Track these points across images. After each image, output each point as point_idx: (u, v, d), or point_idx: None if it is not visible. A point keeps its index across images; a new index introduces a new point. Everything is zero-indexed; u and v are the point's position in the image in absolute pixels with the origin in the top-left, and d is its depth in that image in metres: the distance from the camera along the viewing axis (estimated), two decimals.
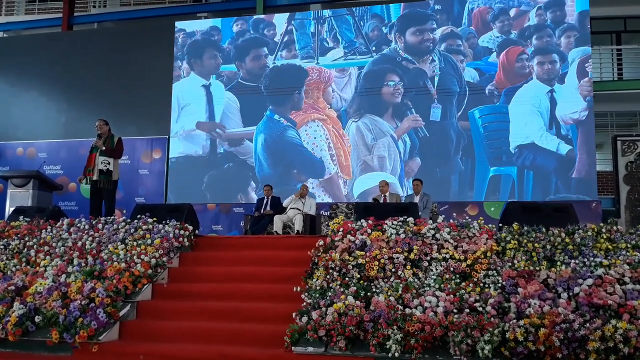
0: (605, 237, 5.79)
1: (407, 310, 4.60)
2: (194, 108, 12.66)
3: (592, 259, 5.31)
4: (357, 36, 12.15)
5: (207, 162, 12.44)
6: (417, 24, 11.91)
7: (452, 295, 4.75)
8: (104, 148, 8.19)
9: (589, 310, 4.34)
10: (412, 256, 5.57)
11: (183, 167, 12.53)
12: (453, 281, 5.16)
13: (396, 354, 4.32)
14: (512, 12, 11.53)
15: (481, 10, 11.68)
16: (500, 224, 6.43)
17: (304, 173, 11.92)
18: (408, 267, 5.48)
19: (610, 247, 5.63)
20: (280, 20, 12.65)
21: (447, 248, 5.66)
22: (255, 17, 12.90)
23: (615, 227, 6.00)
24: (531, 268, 5.15)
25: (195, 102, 12.68)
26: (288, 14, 12.73)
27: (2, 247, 6.83)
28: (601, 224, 6.08)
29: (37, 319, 5.19)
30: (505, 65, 11.33)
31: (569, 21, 11.23)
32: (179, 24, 13.20)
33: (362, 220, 6.28)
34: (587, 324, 4.14)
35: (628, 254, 5.44)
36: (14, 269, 6.34)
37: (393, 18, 12.03)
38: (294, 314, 4.90)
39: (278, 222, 9.18)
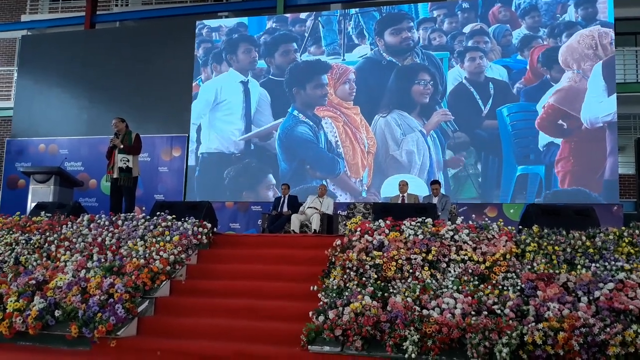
0: (627, 240, 5.70)
1: (425, 312, 4.57)
2: (229, 105, 12.70)
3: (613, 262, 5.24)
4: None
5: (236, 159, 12.47)
6: (396, 24, 12.00)
7: (470, 297, 4.72)
8: (122, 146, 8.23)
9: (610, 314, 4.29)
10: (430, 257, 5.54)
11: (210, 164, 12.59)
12: (471, 283, 5.13)
13: (413, 355, 4.30)
14: (542, 9, 11.40)
15: (506, 7, 11.59)
16: (520, 226, 6.37)
17: (318, 169, 11.92)
18: (426, 268, 5.44)
19: (632, 251, 5.55)
20: (307, 16, 12.67)
21: (466, 250, 5.62)
22: (289, 15, 12.91)
23: (637, 231, 5.91)
24: (551, 271, 5.09)
25: (231, 98, 12.72)
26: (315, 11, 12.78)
27: (23, 241, 6.91)
28: (623, 228, 5.99)
29: (57, 313, 5.25)
30: (533, 63, 11.21)
31: (601, 18, 11.06)
32: (205, 21, 13.29)
33: (380, 221, 6.26)
34: (608, 329, 4.09)
35: None
36: (34, 263, 6.43)
37: (421, 15, 11.99)
38: (310, 313, 4.90)
39: (295, 221, 9.19)
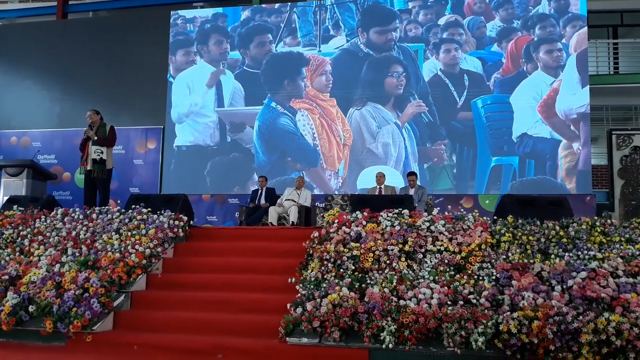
0: (599, 230, 5.81)
1: (402, 302, 4.61)
2: (202, 96, 12.60)
3: (586, 252, 5.34)
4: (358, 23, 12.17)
5: (212, 152, 12.39)
6: (384, 23, 11.97)
7: (446, 288, 4.77)
8: (95, 138, 8.12)
9: (582, 303, 4.36)
10: (406, 248, 5.57)
11: (185, 157, 12.50)
12: (447, 273, 5.17)
13: (390, 345, 4.33)
14: (515, 1, 11.52)
15: None
16: (495, 217, 6.44)
17: (298, 161, 11.91)
18: (403, 259, 5.48)
19: (604, 240, 5.65)
20: (283, 7, 12.61)
21: (442, 240, 5.67)
22: (264, 6, 12.84)
23: (609, 221, 6.02)
24: (525, 261, 5.17)
25: (203, 89, 12.60)
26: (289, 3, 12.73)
27: None
28: (595, 218, 6.10)
29: (31, 308, 5.18)
30: (514, 54, 11.31)
31: (573, 10, 11.20)
32: (180, 12, 13.15)
33: (357, 212, 6.28)
34: (580, 317, 4.16)
35: (622, 247, 5.47)
36: (7, 258, 6.32)
37: (396, 7, 12.01)
38: (288, 305, 4.91)
39: (273, 213, 9.17)
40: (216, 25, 12.82)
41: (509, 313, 4.32)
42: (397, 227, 5.85)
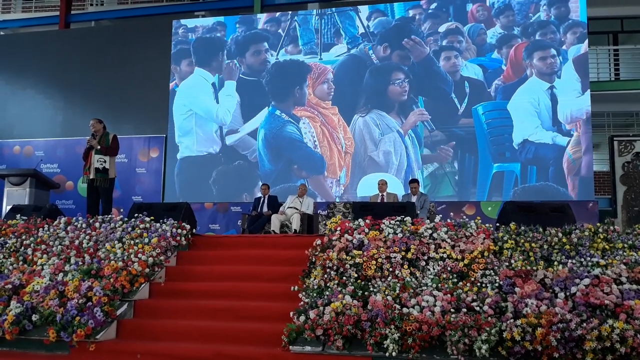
0: (602, 237, 5.79)
1: (405, 310, 4.60)
2: (201, 105, 12.64)
3: (589, 258, 5.32)
4: (360, 32, 12.18)
5: (215, 160, 12.42)
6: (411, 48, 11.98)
7: (449, 295, 4.76)
8: (99, 147, 8.15)
9: (586, 310, 4.35)
10: (409, 255, 5.57)
11: (188, 165, 12.52)
12: (450, 281, 5.17)
13: (393, 354, 4.32)
14: (516, 8, 11.56)
15: (483, 6, 11.71)
16: (498, 224, 6.44)
17: (304, 169, 11.92)
18: (405, 266, 5.48)
19: (607, 247, 5.64)
20: (283, 16, 12.67)
21: (445, 247, 5.66)
22: (265, 15, 12.90)
23: (612, 227, 6.01)
24: (528, 268, 5.16)
25: (202, 99, 12.65)
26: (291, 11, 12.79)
27: None
28: (598, 224, 6.09)
29: (34, 317, 5.18)
30: (514, 61, 11.33)
31: (573, 17, 11.24)
32: (182, 21, 13.21)
33: (360, 220, 6.28)
34: (584, 324, 4.15)
35: (625, 254, 5.45)
36: (11, 267, 6.33)
37: (397, 14, 12.04)
38: (291, 313, 4.90)
39: (275, 221, 9.18)
40: (217, 34, 12.88)
41: (512, 320, 4.31)
42: (400, 235, 5.86)
